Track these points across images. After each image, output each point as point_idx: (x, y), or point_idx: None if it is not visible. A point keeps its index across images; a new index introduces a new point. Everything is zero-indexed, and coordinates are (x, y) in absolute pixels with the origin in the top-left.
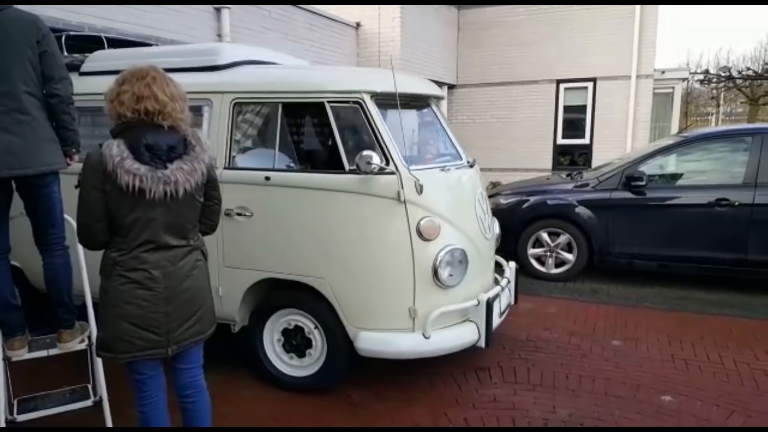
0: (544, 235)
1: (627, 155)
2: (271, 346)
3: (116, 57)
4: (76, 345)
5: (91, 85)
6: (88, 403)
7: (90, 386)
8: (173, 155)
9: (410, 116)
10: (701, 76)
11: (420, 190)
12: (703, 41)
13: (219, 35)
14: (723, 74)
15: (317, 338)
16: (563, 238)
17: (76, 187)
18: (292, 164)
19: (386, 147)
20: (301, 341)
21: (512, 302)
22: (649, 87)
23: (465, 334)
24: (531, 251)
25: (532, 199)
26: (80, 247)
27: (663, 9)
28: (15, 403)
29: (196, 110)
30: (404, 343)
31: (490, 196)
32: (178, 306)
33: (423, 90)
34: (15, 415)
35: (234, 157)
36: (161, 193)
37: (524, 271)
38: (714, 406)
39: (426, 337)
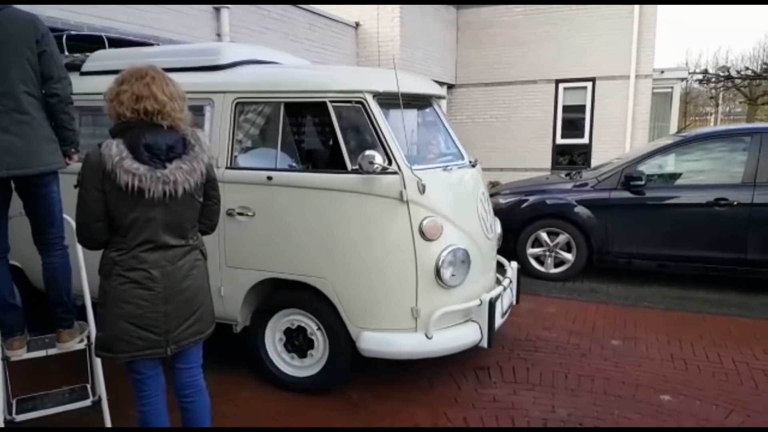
0: (543, 235)
1: (626, 155)
2: (273, 346)
3: (117, 57)
4: (75, 345)
5: (92, 84)
6: (87, 402)
7: (89, 386)
8: (172, 155)
9: (412, 116)
10: (700, 76)
11: (422, 189)
12: (702, 41)
13: (218, 35)
14: (722, 74)
15: (319, 339)
16: (562, 238)
17: (76, 186)
18: (294, 164)
19: (388, 147)
20: (303, 341)
21: (514, 302)
22: (648, 87)
23: (467, 335)
24: (530, 251)
25: (531, 198)
26: (79, 247)
27: (662, 9)
28: (14, 403)
29: (198, 110)
30: (407, 344)
31: (489, 196)
32: (177, 306)
33: (425, 90)
34: (14, 415)
35: (236, 156)
36: (160, 192)
37: (523, 270)
38: (713, 405)
39: (428, 338)
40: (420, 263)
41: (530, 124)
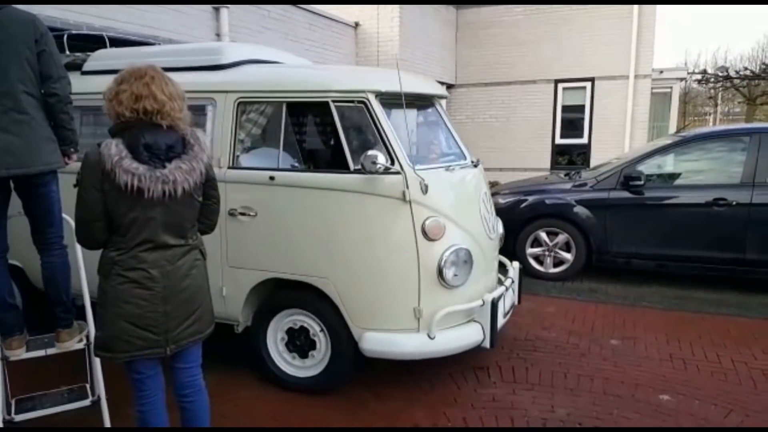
0: (543, 235)
1: (625, 155)
2: (274, 346)
3: (118, 56)
4: (75, 344)
5: (93, 84)
6: (87, 402)
7: (88, 386)
8: (172, 154)
9: (415, 116)
10: (699, 76)
11: (425, 189)
12: (701, 41)
13: (218, 35)
14: (721, 74)
15: (321, 339)
16: (561, 238)
17: (75, 186)
18: (296, 164)
19: (391, 146)
20: (305, 342)
21: (516, 302)
22: (647, 87)
23: (470, 335)
24: (529, 251)
25: (531, 198)
26: (78, 247)
27: (661, 9)
28: (13, 402)
29: (200, 110)
30: (409, 344)
31: None
32: (177, 305)
33: (427, 89)
34: (13, 414)
35: (238, 156)
36: (160, 192)
37: (523, 270)
38: (712, 405)
39: (431, 338)
40: (422, 263)
41: (530, 124)
